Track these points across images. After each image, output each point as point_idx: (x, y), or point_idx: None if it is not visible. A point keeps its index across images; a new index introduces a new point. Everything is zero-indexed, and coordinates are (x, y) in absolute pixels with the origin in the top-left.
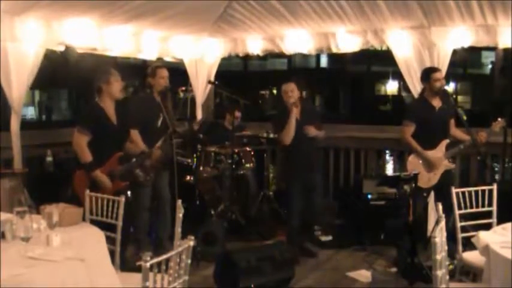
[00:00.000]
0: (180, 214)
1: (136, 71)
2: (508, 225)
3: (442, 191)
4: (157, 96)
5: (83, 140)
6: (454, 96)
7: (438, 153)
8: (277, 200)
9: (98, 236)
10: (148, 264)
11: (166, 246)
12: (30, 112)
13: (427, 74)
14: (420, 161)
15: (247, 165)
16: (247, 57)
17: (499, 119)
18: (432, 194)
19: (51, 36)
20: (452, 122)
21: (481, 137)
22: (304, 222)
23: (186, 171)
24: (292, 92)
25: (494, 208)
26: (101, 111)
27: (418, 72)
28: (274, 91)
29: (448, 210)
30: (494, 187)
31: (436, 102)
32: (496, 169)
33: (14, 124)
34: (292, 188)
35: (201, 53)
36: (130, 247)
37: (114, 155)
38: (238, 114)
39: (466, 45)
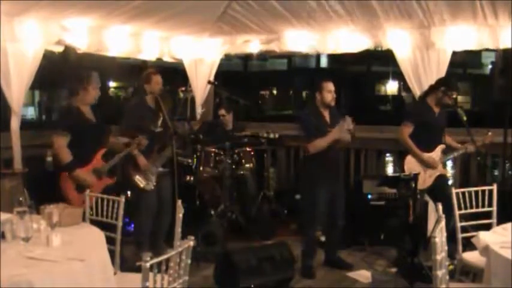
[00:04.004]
0: (180, 214)
1: (136, 71)
2: (508, 225)
3: (437, 194)
4: (152, 101)
5: (63, 142)
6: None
7: (434, 156)
8: (277, 200)
9: (98, 236)
10: (148, 264)
11: (167, 246)
12: (30, 112)
13: (446, 85)
14: (417, 162)
15: (247, 165)
16: (247, 57)
17: (489, 133)
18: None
19: (50, 36)
20: None
21: (485, 139)
22: (328, 233)
23: (186, 171)
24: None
25: (494, 208)
26: (77, 112)
27: (418, 72)
28: (274, 91)
29: (446, 213)
30: (494, 187)
31: (436, 108)
32: (496, 169)
33: (14, 124)
34: (316, 197)
35: (201, 53)
36: (130, 247)
37: (98, 152)
38: (222, 111)
39: (466, 48)
